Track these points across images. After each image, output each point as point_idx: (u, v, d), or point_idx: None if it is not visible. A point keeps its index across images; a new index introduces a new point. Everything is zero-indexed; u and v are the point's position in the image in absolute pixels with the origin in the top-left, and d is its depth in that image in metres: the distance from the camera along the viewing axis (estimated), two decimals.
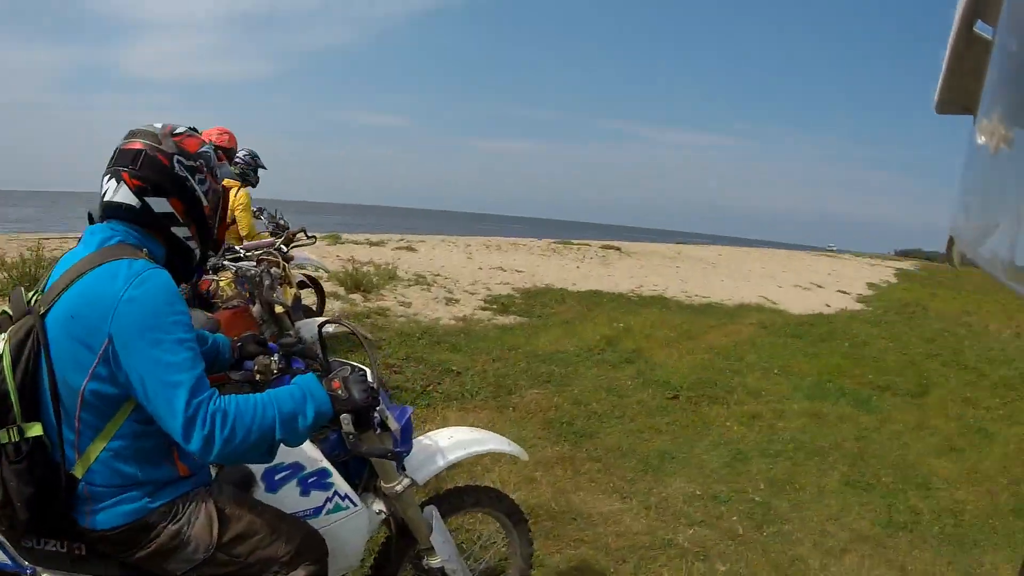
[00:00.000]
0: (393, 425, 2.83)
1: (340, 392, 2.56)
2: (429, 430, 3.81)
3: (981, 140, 0.69)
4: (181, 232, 2.55)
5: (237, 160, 8.69)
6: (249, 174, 8.78)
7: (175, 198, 2.49)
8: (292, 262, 8.54)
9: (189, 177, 2.51)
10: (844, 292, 30.83)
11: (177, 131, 2.56)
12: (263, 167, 8.90)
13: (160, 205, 2.47)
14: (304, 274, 10.36)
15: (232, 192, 8.25)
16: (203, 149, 2.59)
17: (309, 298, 10.22)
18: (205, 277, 6.32)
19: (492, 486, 4.25)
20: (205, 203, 2.58)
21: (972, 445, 9.09)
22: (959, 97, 0.86)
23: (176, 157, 2.48)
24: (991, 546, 6.24)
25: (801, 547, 5.75)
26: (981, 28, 0.81)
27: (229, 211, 8.31)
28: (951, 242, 0.78)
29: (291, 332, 6.03)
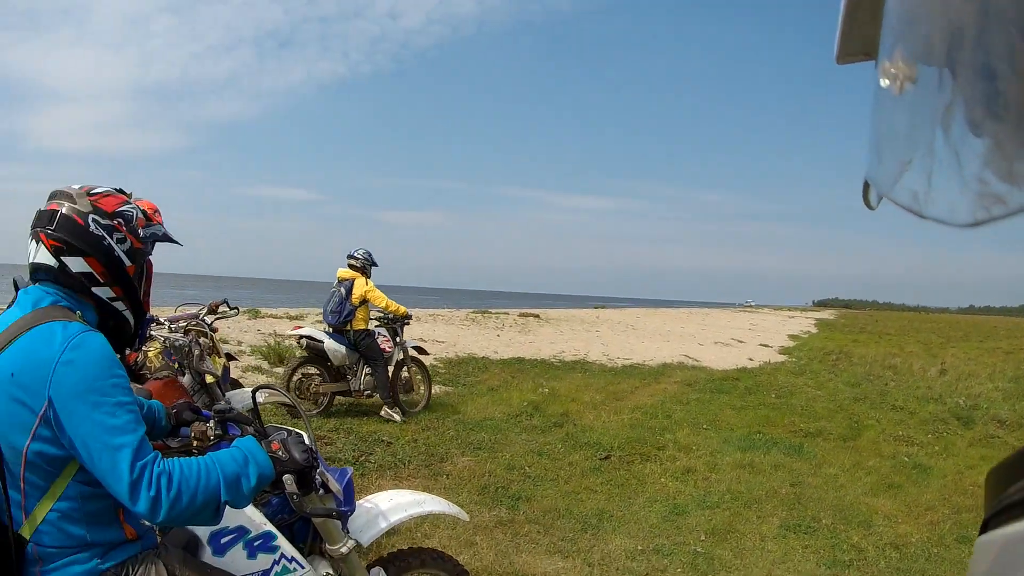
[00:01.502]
0: (334, 486, 2.87)
1: (280, 453, 2.60)
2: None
3: (885, 83, 0.73)
4: (103, 293, 2.53)
5: (357, 256, 10.80)
6: (367, 267, 10.84)
7: (91, 257, 2.48)
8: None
9: (106, 236, 2.50)
10: (766, 345, 31.62)
11: (95, 191, 2.56)
12: (376, 264, 10.98)
13: (77, 265, 2.46)
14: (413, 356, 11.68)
15: (357, 283, 10.59)
16: (123, 208, 2.58)
17: (235, 371, 10.49)
18: (131, 350, 6.29)
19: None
20: (127, 263, 2.56)
21: (910, 480, 9.37)
22: (859, 45, 0.90)
23: (91, 216, 2.48)
24: (938, 575, 6.43)
25: None
26: None
27: (358, 297, 10.53)
28: (867, 187, 0.79)
29: (223, 401, 6.07)
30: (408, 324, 11.65)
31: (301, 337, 10.84)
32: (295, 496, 2.62)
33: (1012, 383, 19.81)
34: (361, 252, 10.89)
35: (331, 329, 10.80)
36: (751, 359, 25.11)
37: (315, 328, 11.18)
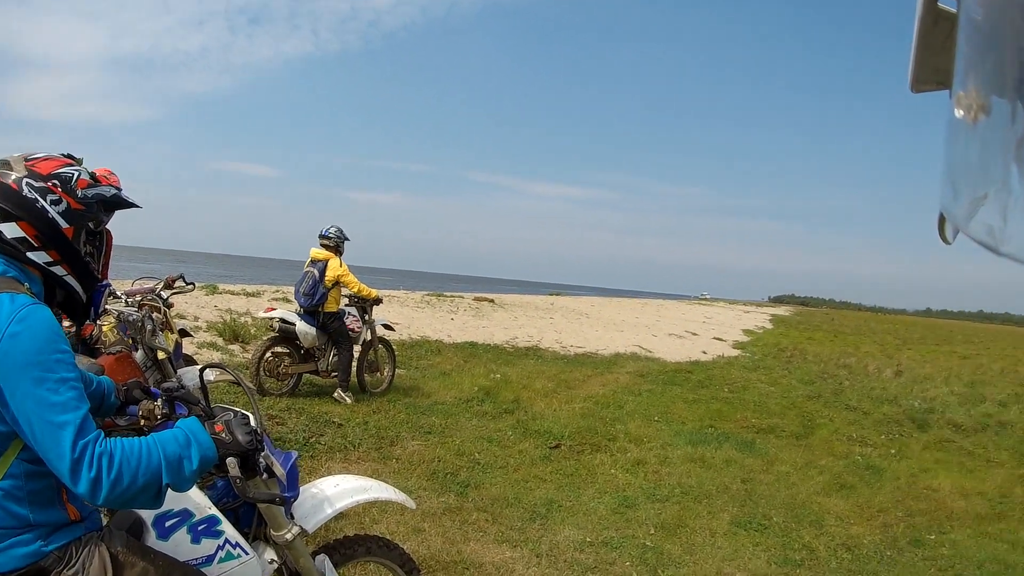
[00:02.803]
0: (279, 470, 2.86)
1: (224, 435, 2.59)
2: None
3: (959, 113, 0.73)
4: (39, 257, 2.50)
5: (330, 235, 11.03)
6: (340, 245, 11.10)
7: (24, 221, 2.46)
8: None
9: (39, 198, 2.48)
10: (720, 339, 31.98)
11: (33, 156, 2.56)
12: (348, 239, 11.26)
13: (11, 230, 2.45)
14: (380, 337, 11.97)
15: (331, 264, 10.80)
16: (61, 170, 2.56)
17: (190, 347, 10.79)
18: (87, 322, 6.30)
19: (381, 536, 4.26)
20: (63, 224, 2.53)
21: (863, 481, 9.55)
22: (932, 74, 0.92)
23: (25, 179, 2.47)
24: None
25: None
26: (945, 2, 0.87)
27: (332, 279, 10.75)
28: (942, 220, 0.82)
29: (173, 378, 6.08)
30: (378, 305, 11.95)
31: (273, 319, 11.00)
32: (238, 480, 2.61)
33: (968, 388, 20.26)
34: (333, 230, 11.14)
35: (303, 311, 10.92)
36: (704, 352, 25.38)
37: (287, 310, 11.27)
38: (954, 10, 0.83)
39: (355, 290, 11.22)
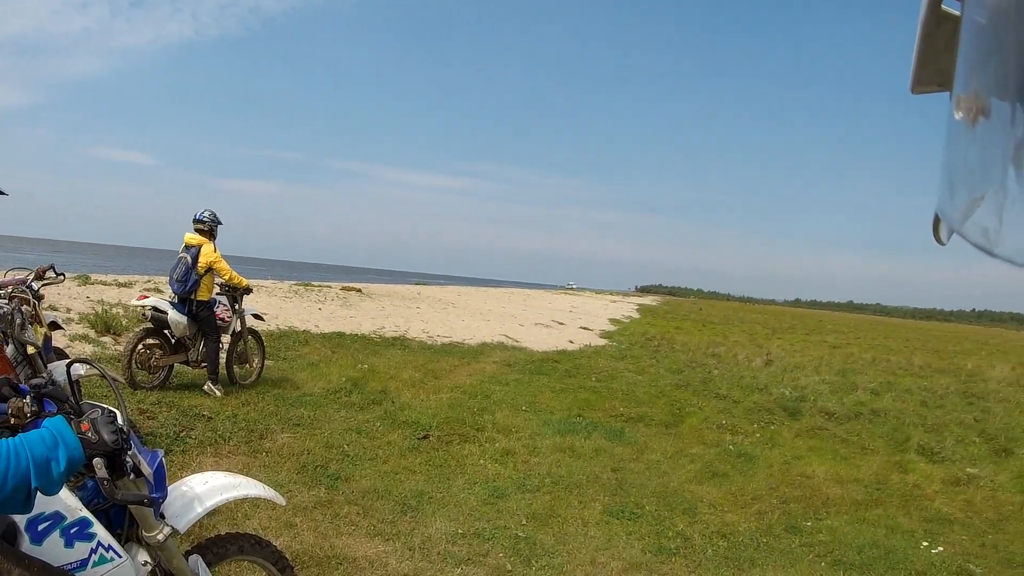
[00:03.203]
0: (146, 470, 2.85)
1: (90, 435, 2.55)
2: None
3: (959, 115, 0.75)
4: None
5: (204, 219, 11.11)
6: (214, 229, 11.19)
7: None
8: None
9: None
10: (587, 328, 32.56)
11: None
12: (220, 223, 11.32)
13: None
14: (250, 327, 12.05)
15: (204, 250, 10.86)
16: None
17: (62, 340, 10.84)
18: None
19: (254, 533, 4.27)
20: None
21: (735, 469, 9.84)
22: (933, 76, 0.93)
23: None
24: (769, 564, 6.77)
25: None
26: (949, 5, 0.89)
27: (204, 265, 10.82)
28: (937, 221, 0.84)
29: (43, 373, 5.86)
30: (248, 295, 12.06)
31: (146, 308, 10.93)
32: (106, 481, 2.59)
33: (839, 376, 21.13)
34: (207, 214, 11.23)
35: (176, 299, 10.94)
36: (571, 341, 25.81)
37: (160, 298, 11.21)
38: (958, 13, 0.86)
39: (227, 278, 11.23)
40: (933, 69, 0.93)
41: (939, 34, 0.89)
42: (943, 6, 0.89)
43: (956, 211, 0.76)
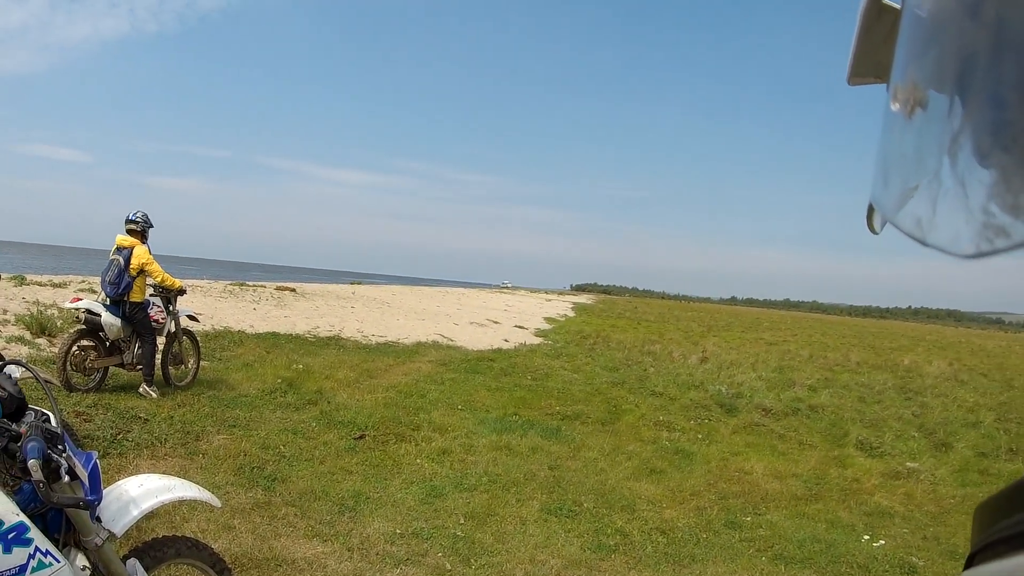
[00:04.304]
0: (81, 472, 2.86)
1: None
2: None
3: (895, 107, 0.77)
4: None
5: (136, 220, 11.12)
6: (146, 231, 11.22)
7: None
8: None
9: None
10: (522, 327, 32.69)
11: None
12: (152, 226, 11.35)
13: None
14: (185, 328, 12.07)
15: (136, 251, 10.81)
16: None
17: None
18: None
19: (192, 536, 4.27)
20: None
21: (672, 466, 9.97)
22: (871, 68, 0.94)
23: None
24: (709, 559, 6.88)
25: None
26: None
27: (136, 267, 10.77)
28: (871, 210, 0.85)
29: None
30: (182, 296, 12.08)
31: (79, 310, 10.86)
32: (41, 484, 2.61)
33: (776, 373, 21.47)
34: (140, 215, 11.27)
35: (109, 301, 10.91)
36: (507, 340, 25.92)
37: (93, 300, 11.15)
38: (898, 6, 0.87)
39: (159, 279, 11.22)
40: (871, 61, 0.94)
41: (878, 26, 0.91)
42: None
43: (890, 201, 0.77)
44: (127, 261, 10.72)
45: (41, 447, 2.62)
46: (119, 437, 8.46)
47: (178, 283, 11.66)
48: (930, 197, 0.67)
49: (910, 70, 0.75)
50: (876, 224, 0.85)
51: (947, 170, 0.65)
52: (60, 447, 2.72)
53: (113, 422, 8.98)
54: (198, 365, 12.26)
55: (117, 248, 10.86)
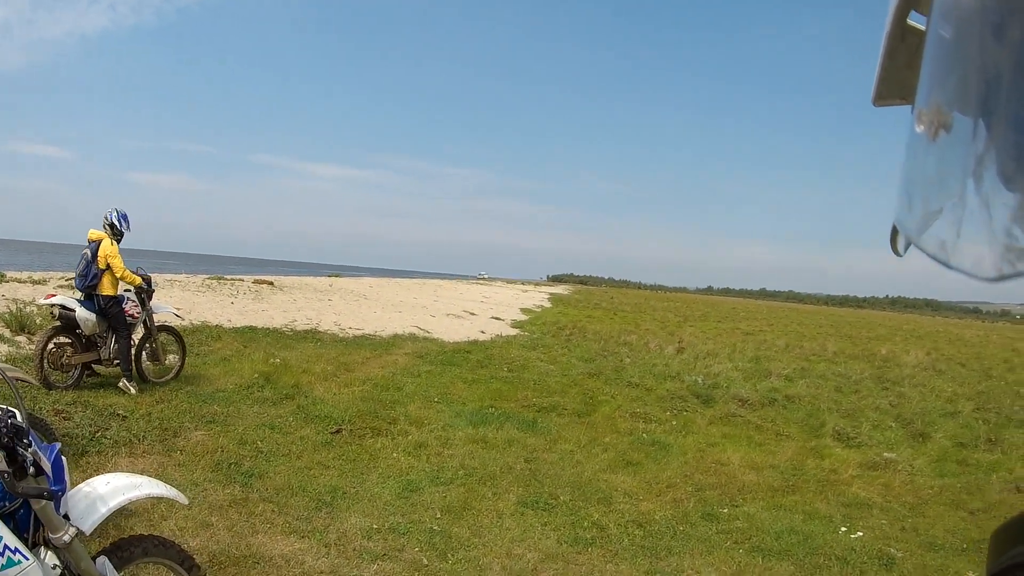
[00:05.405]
0: (46, 465, 2.92)
1: None
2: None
3: (920, 129, 0.77)
4: None
5: (109, 217, 11.25)
6: (117, 227, 11.29)
7: None
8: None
9: None
10: (498, 318, 32.74)
11: None
12: (128, 225, 11.46)
13: None
14: (169, 325, 12.18)
15: (103, 244, 10.95)
16: None
17: None
18: None
19: (160, 534, 4.27)
20: None
21: (649, 458, 10.03)
22: (896, 89, 0.96)
23: None
24: (686, 552, 6.95)
25: (490, 572, 6.07)
26: (915, 19, 0.91)
27: (102, 259, 10.93)
28: (895, 232, 0.85)
29: None
30: (154, 291, 12.12)
31: (53, 306, 10.88)
32: (6, 475, 2.70)
33: (753, 363, 21.59)
34: (114, 213, 11.41)
35: (82, 296, 11.02)
36: (483, 332, 25.94)
37: (68, 296, 11.22)
38: (923, 27, 0.88)
39: (120, 274, 11.15)
40: (896, 82, 0.95)
41: (903, 48, 0.93)
42: (908, 20, 0.91)
43: (914, 223, 0.77)
44: (94, 254, 10.83)
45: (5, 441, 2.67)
46: (98, 435, 8.44)
47: (138, 280, 11.61)
48: (954, 220, 0.69)
49: (934, 92, 0.76)
50: (900, 246, 0.86)
51: (971, 193, 0.66)
52: (26, 441, 2.77)
53: (92, 420, 8.97)
54: (183, 362, 12.29)
55: (88, 242, 10.94)
